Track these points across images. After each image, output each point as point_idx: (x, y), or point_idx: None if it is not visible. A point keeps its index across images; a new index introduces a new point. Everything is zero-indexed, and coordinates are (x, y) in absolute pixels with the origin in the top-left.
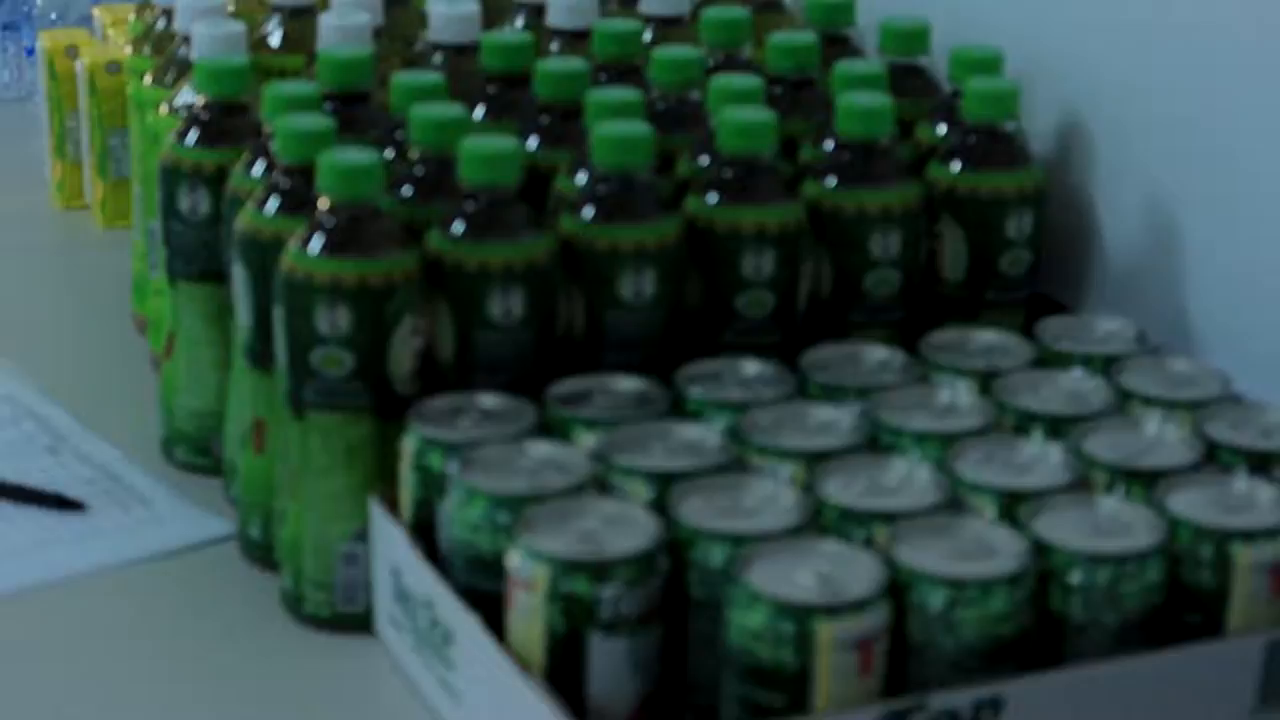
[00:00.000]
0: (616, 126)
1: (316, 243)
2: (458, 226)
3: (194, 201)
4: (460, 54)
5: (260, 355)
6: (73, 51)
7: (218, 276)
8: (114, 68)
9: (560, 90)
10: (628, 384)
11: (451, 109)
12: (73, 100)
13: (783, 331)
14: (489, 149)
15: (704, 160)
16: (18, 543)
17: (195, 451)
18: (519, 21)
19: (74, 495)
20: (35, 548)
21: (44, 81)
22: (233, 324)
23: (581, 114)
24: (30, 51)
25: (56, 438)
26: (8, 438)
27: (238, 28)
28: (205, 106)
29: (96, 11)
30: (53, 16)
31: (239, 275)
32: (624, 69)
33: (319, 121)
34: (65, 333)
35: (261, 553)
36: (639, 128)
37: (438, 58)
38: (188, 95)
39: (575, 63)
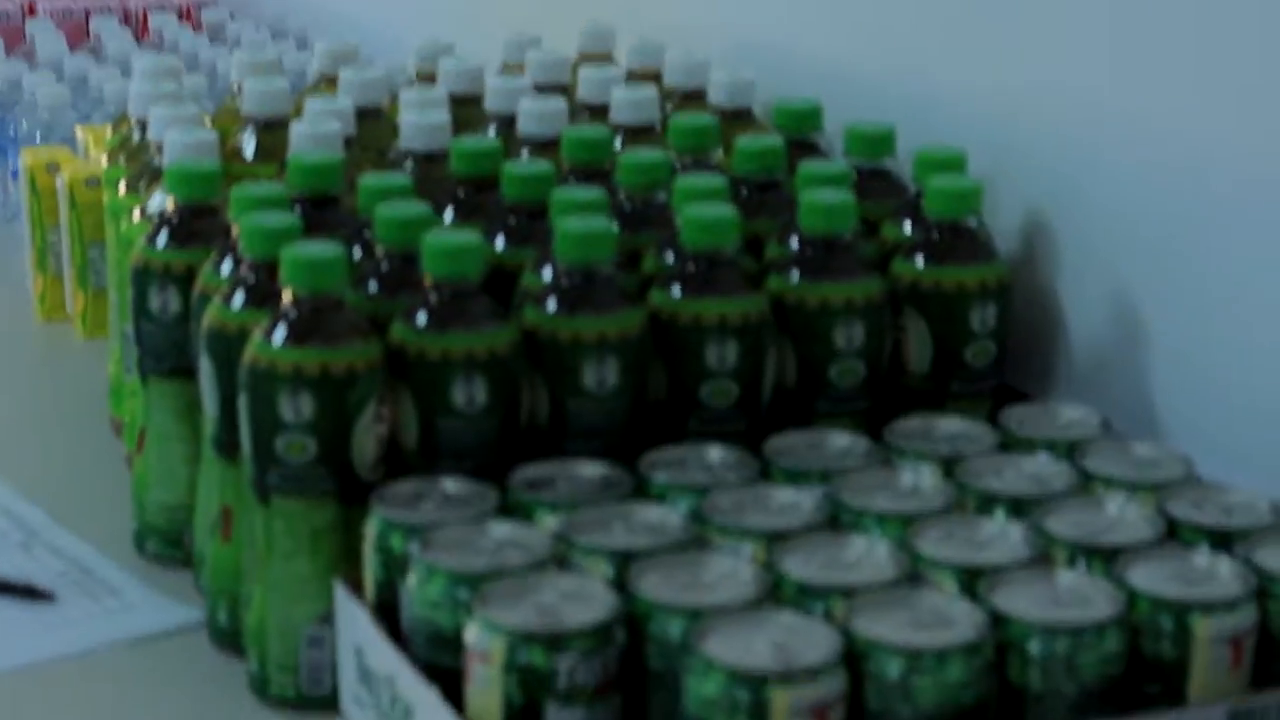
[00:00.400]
0: (580, 222)
1: (280, 333)
2: (421, 317)
3: (164, 300)
4: (430, 161)
5: (227, 445)
6: (54, 168)
7: (188, 373)
8: (93, 182)
9: (527, 191)
10: (591, 469)
11: (416, 207)
12: (54, 215)
13: (748, 420)
14: (452, 242)
15: (669, 257)
16: None
17: (166, 544)
18: (490, 131)
19: (44, 586)
20: (3, 636)
21: (26, 197)
22: (201, 417)
23: (547, 214)
24: (16, 174)
25: (29, 533)
26: None
27: (209, 135)
28: (176, 209)
29: (80, 131)
30: (37, 138)
31: (205, 368)
32: (592, 173)
33: (284, 218)
34: (43, 437)
35: (229, 639)
36: (601, 223)
37: (409, 165)
38: (159, 200)
39: (542, 165)
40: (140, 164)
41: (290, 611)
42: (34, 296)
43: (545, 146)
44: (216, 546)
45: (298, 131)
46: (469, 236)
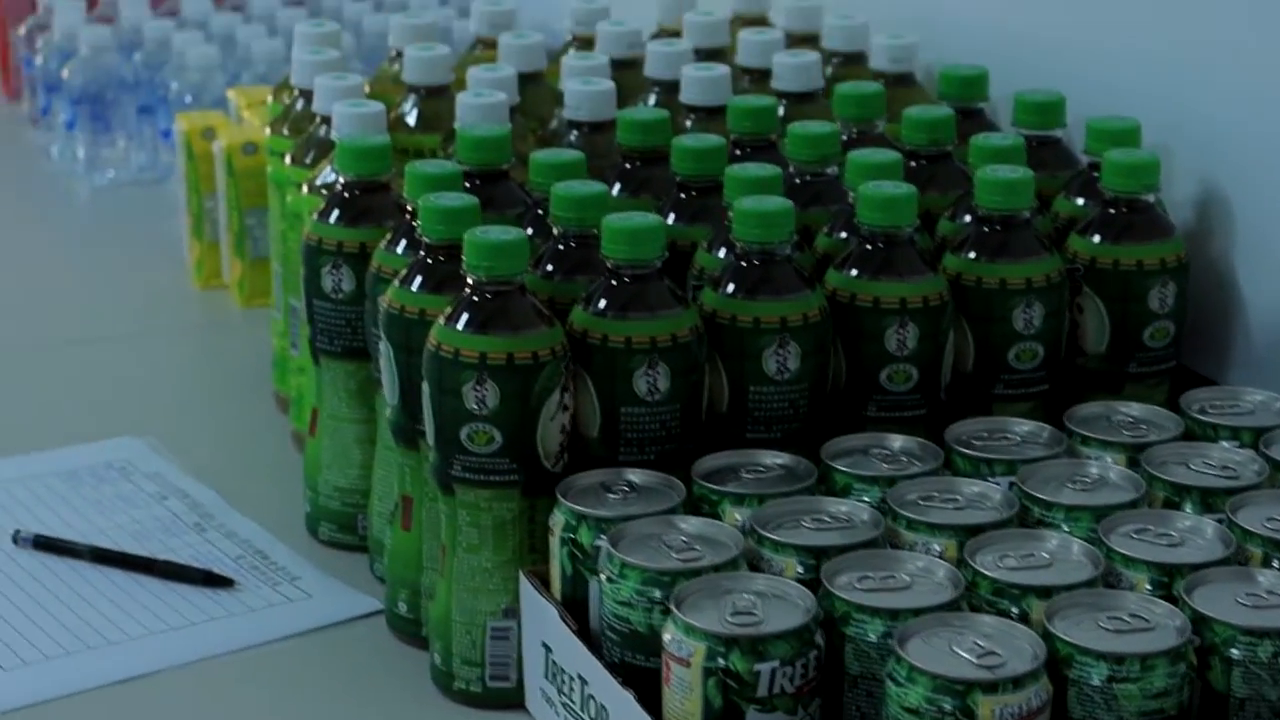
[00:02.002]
0: (757, 202)
1: (463, 320)
2: (602, 302)
3: (337, 279)
4: (595, 131)
5: (407, 432)
6: (210, 134)
7: (361, 353)
8: (250, 149)
9: (699, 166)
10: (773, 459)
11: (593, 186)
12: (210, 182)
13: (926, 405)
14: (632, 225)
15: (842, 235)
16: (170, 619)
17: (340, 528)
18: (652, 99)
19: (223, 572)
20: (187, 625)
21: (182, 163)
22: (378, 400)
23: (718, 190)
24: (166, 134)
25: (203, 515)
26: (155, 515)
27: (377, 107)
28: (346, 185)
29: (231, 94)
30: (187, 100)
31: (385, 352)
32: (759, 144)
33: (463, 200)
34: (208, 411)
35: (410, 628)
36: (780, 203)
37: (573, 135)
38: (329, 174)
39: (712, 139)
40: (306, 135)
41: (474, 604)
42: (190, 263)
43: (709, 114)
44: (396, 535)
45: (463, 102)
46: (650, 219)
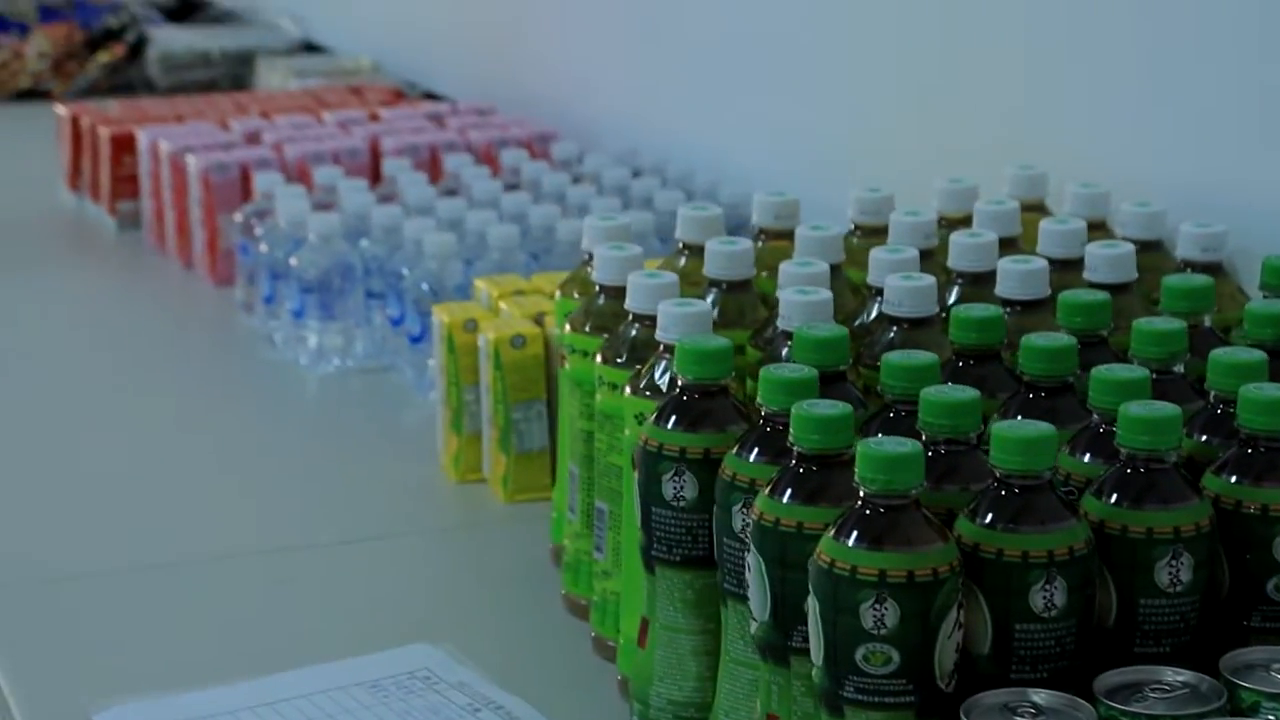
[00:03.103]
0: (1146, 408)
1: (857, 536)
2: (991, 514)
3: (678, 486)
4: (915, 327)
5: (778, 648)
6: (471, 325)
7: (701, 562)
8: (519, 341)
9: (1050, 367)
10: (1174, 676)
11: (965, 392)
12: (472, 374)
13: None
14: (1026, 435)
15: (1203, 438)
16: None
17: None
18: (955, 291)
19: None
20: None
21: (441, 355)
22: (724, 611)
23: (1069, 390)
24: (396, 322)
25: None
26: None
27: (703, 306)
28: (685, 389)
29: (481, 284)
30: (424, 287)
31: (753, 565)
32: (1090, 341)
33: (839, 408)
34: (493, 613)
35: None
36: (1167, 409)
37: (893, 332)
38: (659, 376)
39: (1063, 339)
40: (617, 334)
41: None
42: (444, 456)
43: (1026, 307)
44: None
45: (788, 300)
46: (1043, 429)
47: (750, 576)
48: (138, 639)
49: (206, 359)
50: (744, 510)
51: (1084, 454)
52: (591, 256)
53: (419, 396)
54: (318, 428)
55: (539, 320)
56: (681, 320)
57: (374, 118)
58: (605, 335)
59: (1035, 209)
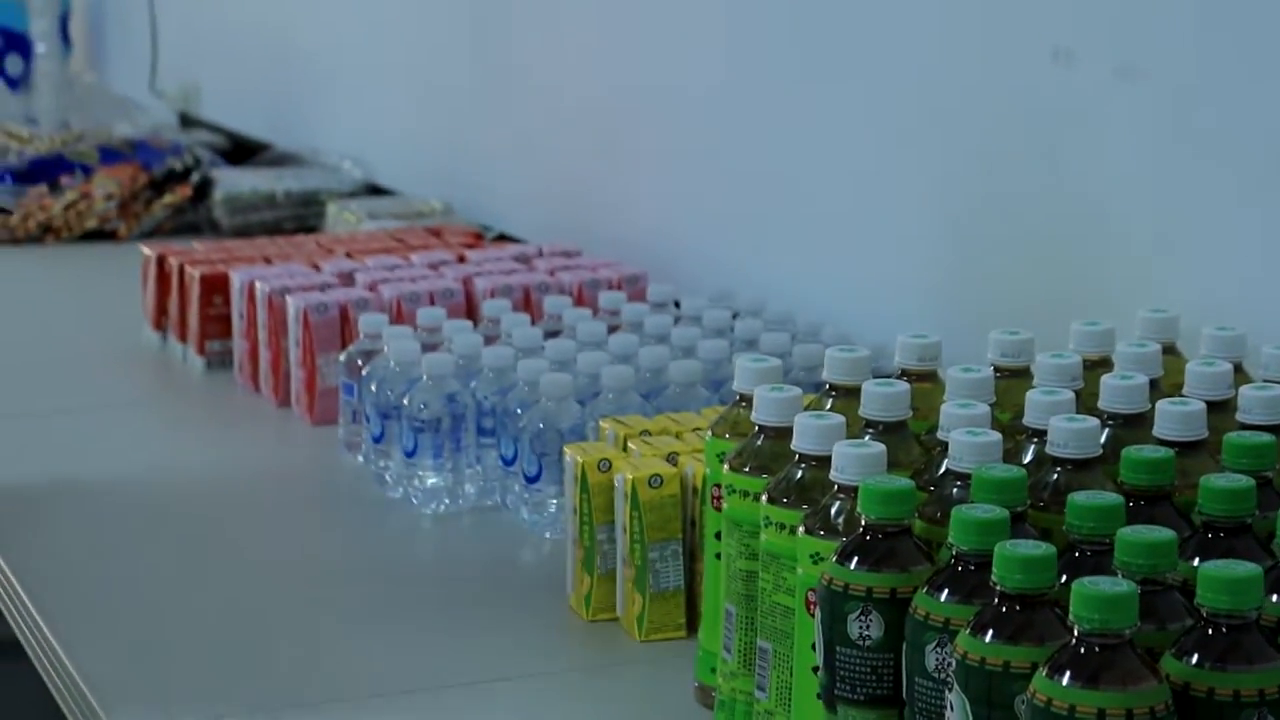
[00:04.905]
0: (1228, 567)
1: (1069, 674)
2: (1198, 653)
3: (864, 625)
4: (1079, 469)
5: None
6: (605, 465)
7: (887, 701)
8: (657, 481)
9: (1231, 507)
10: None
11: (1162, 533)
12: (605, 513)
13: None
14: (1235, 575)
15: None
16: None
17: None
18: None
19: None
20: None
21: (573, 495)
22: None
23: (1246, 530)
24: (508, 461)
25: None
26: None
27: (878, 449)
28: (868, 528)
29: (606, 424)
30: (540, 426)
31: (958, 705)
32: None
33: (1042, 549)
34: None
35: None
36: (1251, 568)
37: (1056, 474)
38: (835, 516)
39: (1243, 480)
40: (784, 475)
41: None
42: (576, 595)
43: (1187, 448)
44: None
45: (956, 441)
46: (1250, 569)
47: (952, 716)
48: None
49: (316, 500)
50: (938, 650)
51: (1272, 595)
52: (742, 398)
53: (535, 536)
54: (438, 568)
55: (672, 460)
56: (858, 461)
57: (461, 259)
58: (765, 475)
59: (1168, 351)
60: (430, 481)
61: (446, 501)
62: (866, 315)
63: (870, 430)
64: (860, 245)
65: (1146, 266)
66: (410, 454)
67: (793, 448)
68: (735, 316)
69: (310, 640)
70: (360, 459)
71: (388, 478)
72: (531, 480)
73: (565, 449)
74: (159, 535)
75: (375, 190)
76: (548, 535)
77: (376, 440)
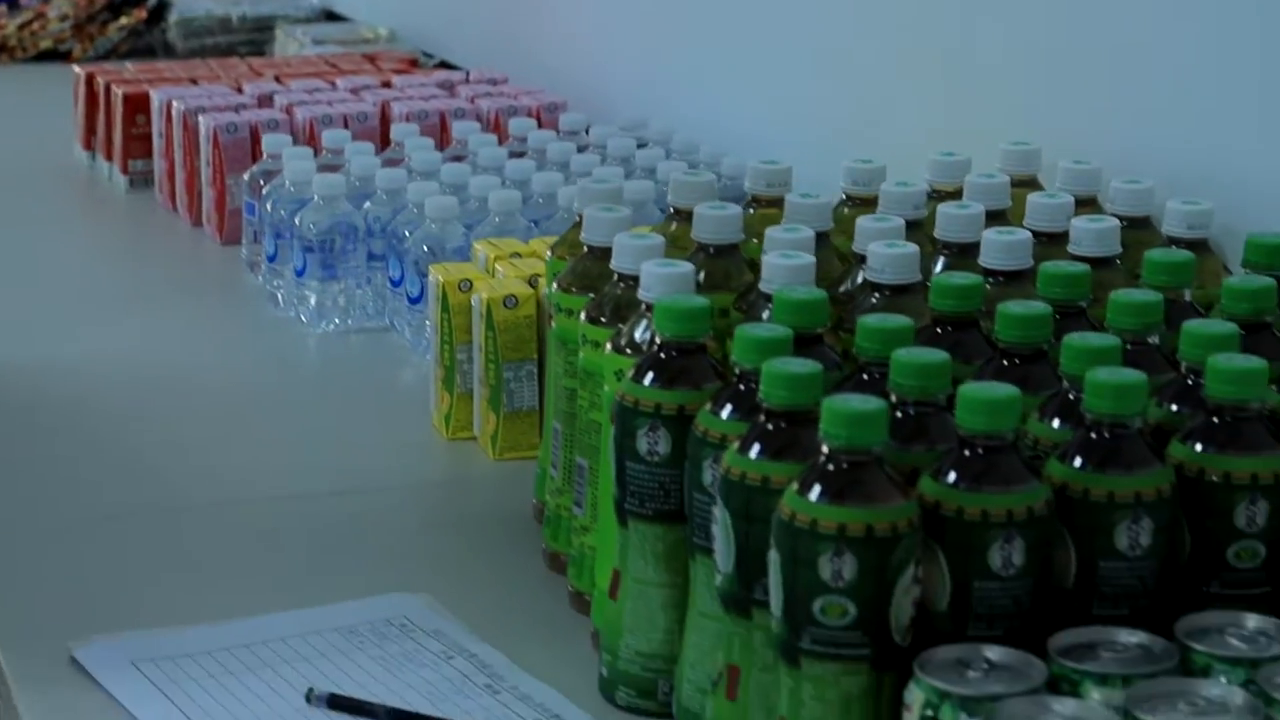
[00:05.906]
0: (1112, 374)
1: (818, 490)
2: (954, 473)
3: (653, 442)
4: (898, 294)
5: (740, 601)
6: (466, 285)
7: (672, 516)
8: (511, 302)
9: (1025, 334)
10: (1129, 637)
11: (934, 354)
12: (465, 333)
13: (1273, 583)
14: (989, 397)
15: (1174, 407)
16: None
17: (640, 694)
18: (941, 262)
19: None
20: None
21: (435, 314)
22: (692, 565)
23: (1042, 357)
24: (395, 283)
25: (492, 676)
26: (444, 675)
27: (686, 268)
28: (663, 346)
29: (479, 246)
30: (424, 249)
31: (720, 519)
32: (1069, 311)
33: (808, 366)
34: (474, 566)
35: None
36: (1133, 375)
37: (875, 298)
38: (640, 334)
39: (1038, 306)
40: (603, 294)
41: None
42: (437, 414)
43: (1010, 278)
44: (718, 704)
45: (771, 263)
46: (1007, 391)
47: (716, 530)
48: (125, 580)
49: (211, 314)
50: (714, 465)
51: (1053, 420)
52: (582, 218)
53: (416, 356)
54: (315, 384)
55: (533, 282)
56: (663, 280)
57: (386, 84)
58: (590, 295)
59: (1027, 184)
60: (315, 301)
61: (336, 321)
62: (788, 143)
63: (702, 253)
64: (778, 75)
65: (1015, 100)
66: (300, 273)
67: (611, 267)
68: (642, 146)
69: (174, 446)
70: (260, 279)
71: (279, 296)
72: (414, 301)
73: (430, 269)
74: (47, 342)
75: (331, 16)
76: (427, 356)
77: (270, 259)
